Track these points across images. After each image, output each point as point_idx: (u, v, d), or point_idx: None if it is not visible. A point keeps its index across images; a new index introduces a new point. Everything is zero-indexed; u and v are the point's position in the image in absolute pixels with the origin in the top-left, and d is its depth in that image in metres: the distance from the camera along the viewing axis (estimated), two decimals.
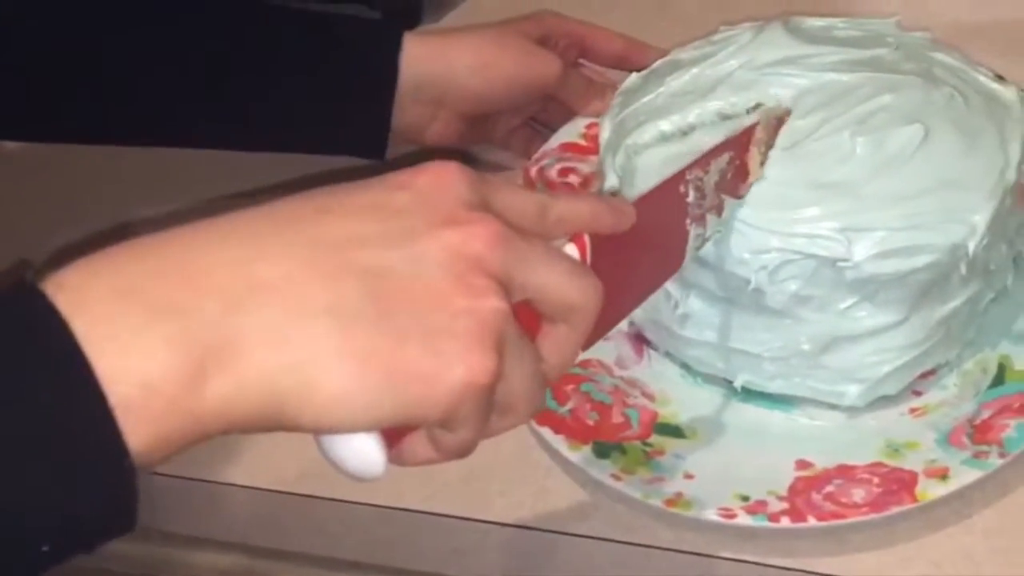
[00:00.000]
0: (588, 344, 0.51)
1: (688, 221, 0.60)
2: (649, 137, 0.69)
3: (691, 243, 0.60)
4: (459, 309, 0.44)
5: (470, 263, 0.45)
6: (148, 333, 0.41)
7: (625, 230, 0.53)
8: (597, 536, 0.64)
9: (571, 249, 0.51)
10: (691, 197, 0.60)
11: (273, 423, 0.43)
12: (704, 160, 0.61)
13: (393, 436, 0.46)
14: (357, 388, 0.43)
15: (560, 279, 0.48)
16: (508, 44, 0.78)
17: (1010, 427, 0.63)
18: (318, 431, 0.44)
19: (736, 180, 0.63)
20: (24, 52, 0.75)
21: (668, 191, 0.59)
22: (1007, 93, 0.68)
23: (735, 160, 0.63)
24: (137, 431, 0.40)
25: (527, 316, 0.48)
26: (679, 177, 0.60)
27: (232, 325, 0.42)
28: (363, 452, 0.44)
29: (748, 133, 0.65)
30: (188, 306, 0.42)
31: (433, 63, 0.76)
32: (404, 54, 0.76)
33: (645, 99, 0.71)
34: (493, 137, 0.83)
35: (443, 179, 0.47)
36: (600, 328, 0.51)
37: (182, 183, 0.84)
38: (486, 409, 0.46)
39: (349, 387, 0.42)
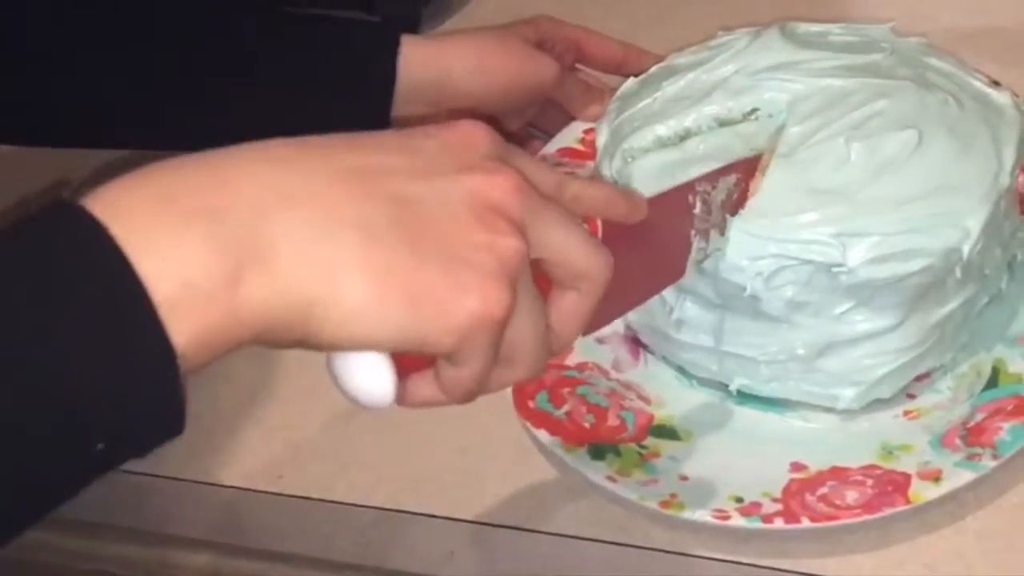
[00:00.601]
0: (589, 328, 0.52)
1: (693, 232, 0.61)
2: (645, 142, 0.70)
3: (693, 255, 0.62)
4: (479, 242, 0.46)
5: (492, 206, 0.47)
6: (186, 235, 0.42)
7: (635, 222, 0.55)
8: (592, 537, 0.65)
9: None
10: (698, 209, 0.61)
11: (298, 332, 0.44)
12: (714, 175, 0.63)
13: (402, 372, 0.46)
14: (376, 302, 0.44)
15: (576, 242, 0.50)
16: (506, 47, 0.78)
17: (1003, 430, 0.63)
18: (335, 344, 0.45)
19: (739, 202, 0.64)
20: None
21: (677, 198, 0.61)
22: (1001, 98, 0.69)
23: (741, 183, 0.64)
24: (181, 328, 0.41)
25: (537, 279, 0.49)
26: (689, 187, 0.61)
27: (264, 231, 0.43)
28: (374, 373, 0.46)
29: (756, 160, 0.66)
30: (222, 211, 0.43)
31: (431, 65, 0.77)
32: (402, 56, 0.76)
33: (642, 104, 0.71)
34: None
35: (471, 134, 0.49)
36: (600, 317, 0.52)
37: None
38: (493, 347, 0.47)
39: (368, 300, 0.44)
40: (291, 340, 0.44)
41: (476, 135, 0.49)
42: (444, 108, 0.78)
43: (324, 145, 0.47)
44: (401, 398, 0.48)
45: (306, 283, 0.43)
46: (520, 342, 0.48)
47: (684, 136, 0.69)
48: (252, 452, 0.72)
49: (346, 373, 0.46)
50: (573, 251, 0.50)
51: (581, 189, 0.52)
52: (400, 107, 0.77)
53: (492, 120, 0.82)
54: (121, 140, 0.79)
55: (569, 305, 0.51)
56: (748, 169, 0.65)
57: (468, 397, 0.49)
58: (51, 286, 0.41)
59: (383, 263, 0.44)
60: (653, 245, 0.58)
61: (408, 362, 0.47)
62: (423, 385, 0.49)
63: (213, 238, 0.42)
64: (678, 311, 0.68)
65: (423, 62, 0.77)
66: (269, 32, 0.78)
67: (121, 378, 0.41)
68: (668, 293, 0.68)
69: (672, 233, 0.61)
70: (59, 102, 0.75)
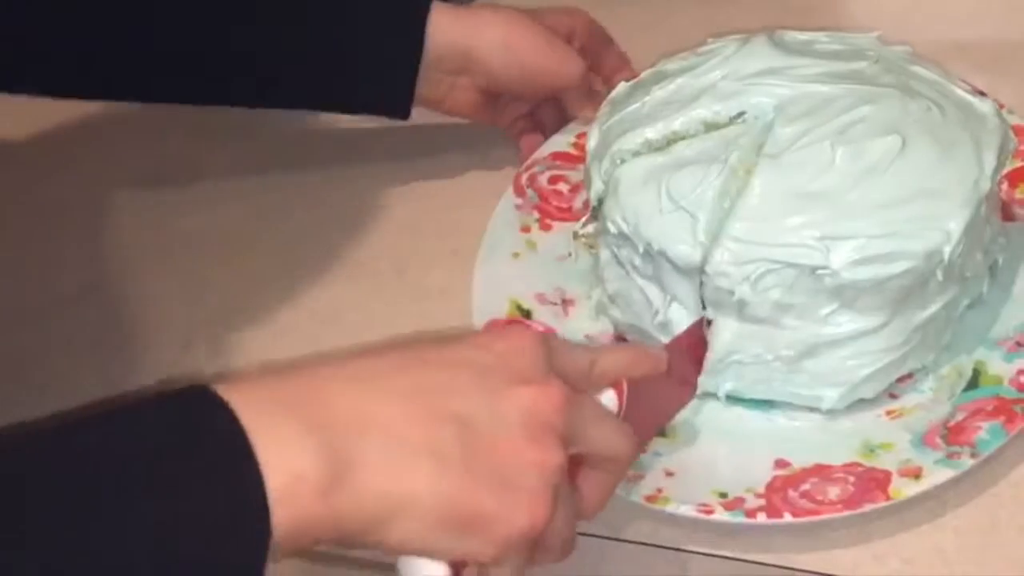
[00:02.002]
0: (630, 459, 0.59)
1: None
2: (634, 145, 0.71)
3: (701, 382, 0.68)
4: (529, 462, 0.52)
5: (541, 422, 0.52)
6: (303, 439, 0.48)
7: (658, 373, 0.61)
8: (578, 532, 0.66)
9: (610, 394, 0.59)
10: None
11: (370, 537, 0.50)
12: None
13: (457, 569, 0.52)
14: (437, 526, 0.50)
15: (608, 436, 0.56)
16: (535, 33, 0.80)
17: (983, 429, 0.65)
18: (398, 552, 0.51)
19: None
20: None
21: (693, 333, 0.68)
22: (983, 106, 0.70)
23: None
24: (284, 515, 0.47)
25: (570, 461, 0.54)
26: (701, 320, 0.67)
27: (359, 448, 0.49)
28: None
29: None
30: (331, 425, 0.49)
31: (460, 35, 0.79)
32: (433, 23, 0.79)
33: (631, 107, 0.73)
34: (501, 119, 0.85)
35: (522, 344, 0.55)
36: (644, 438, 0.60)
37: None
38: (531, 550, 0.53)
39: (431, 525, 0.50)
40: (359, 542, 0.50)
41: (526, 344, 0.55)
42: (466, 77, 0.81)
43: (401, 362, 0.53)
44: None
45: (384, 499, 0.49)
46: (556, 535, 0.53)
47: (672, 140, 0.70)
48: None
49: (409, 571, 0.52)
50: (606, 443, 0.56)
51: (609, 362, 0.59)
52: (427, 71, 0.80)
53: (503, 102, 0.84)
54: (154, 94, 0.82)
55: (600, 481, 0.57)
56: None
57: None
58: (177, 461, 0.46)
59: (449, 491, 0.50)
60: (670, 383, 0.64)
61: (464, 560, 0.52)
62: None
63: (322, 446, 0.48)
64: (663, 314, 0.69)
65: (451, 31, 0.79)
66: None
67: (224, 550, 0.46)
68: (654, 296, 0.69)
69: (690, 362, 0.67)
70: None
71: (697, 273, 0.67)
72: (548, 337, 0.56)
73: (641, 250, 0.68)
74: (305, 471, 0.47)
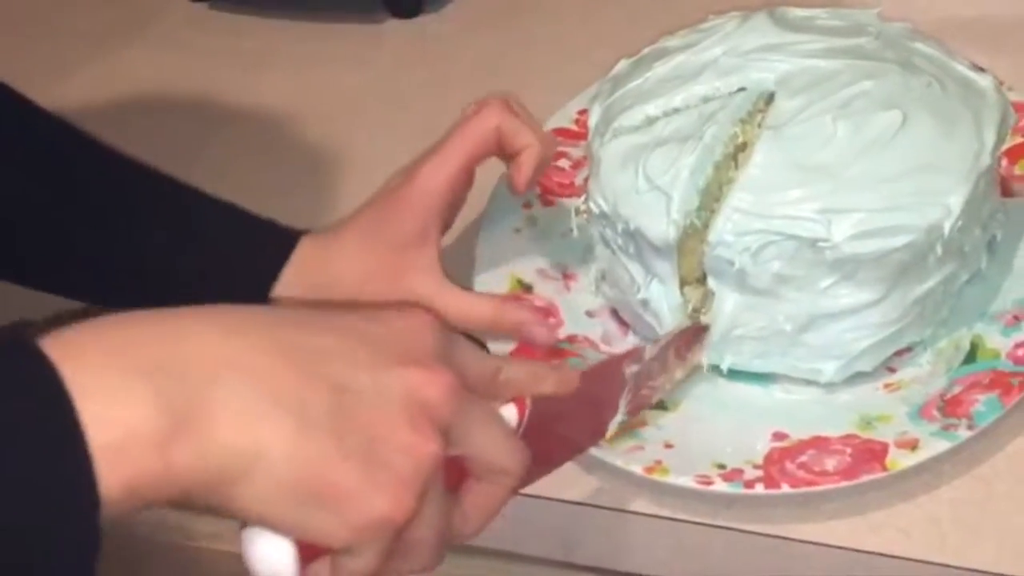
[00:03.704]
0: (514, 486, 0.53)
1: (622, 395, 0.62)
2: (636, 120, 0.71)
3: (612, 423, 0.62)
4: (402, 445, 0.47)
5: (424, 407, 0.48)
6: (133, 386, 0.44)
7: (565, 395, 0.56)
8: (579, 502, 0.67)
9: (510, 408, 0.54)
10: (635, 369, 0.62)
11: (213, 498, 0.45)
12: (639, 352, 0.63)
13: (307, 555, 0.47)
14: (290, 492, 0.45)
15: (495, 444, 0.51)
16: (395, 265, 0.70)
17: (979, 402, 0.65)
18: (244, 517, 0.46)
19: (687, 350, 0.67)
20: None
21: (610, 369, 0.62)
22: (983, 81, 0.71)
23: (686, 337, 0.67)
24: (113, 475, 0.43)
25: (454, 469, 0.50)
26: (621, 359, 0.62)
27: (208, 395, 0.45)
28: (277, 555, 0.47)
29: (701, 330, 0.68)
30: (170, 369, 0.44)
31: (319, 272, 0.71)
32: (292, 263, 0.71)
33: (633, 84, 0.73)
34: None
35: (419, 326, 0.50)
36: (523, 481, 0.53)
37: None
38: (390, 547, 0.48)
39: (284, 489, 0.45)
40: (203, 504, 0.45)
41: (426, 328, 0.50)
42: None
43: (278, 317, 0.49)
44: None
45: (232, 456, 0.44)
46: (417, 541, 0.49)
47: (652, 121, 0.71)
48: None
49: (252, 546, 0.47)
50: (492, 450, 0.51)
51: (515, 373, 0.54)
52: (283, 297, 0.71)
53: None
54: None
55: (482, 497, 0.52)
56: (695, 334, 0.68)
57: None
58: None
59: (309, 455, 0.45)
60: (581, 412, 0.60)
61: (314, 547, 0.47)
62: (323, 572, 0.48)
63: (159, 393, 0.44)
64: (643, 291, 0.70)
65: (311, 269, 0.71)
66: (171, 211, 0.73)
67: (43, 515, 0.42)
68: (636, 273, 0.70)
69: (602, 400, 0.62)
70: None
71: (674, 251, 0.67)
72: (454, 332, 0.52)
73: (620, 229, 0.69)
74: (137, 423, 0.43)
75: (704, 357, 0.69)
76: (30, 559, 0.43)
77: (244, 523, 0.47)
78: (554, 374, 0.56)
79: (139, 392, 0.43)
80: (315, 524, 0.46)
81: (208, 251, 0.71)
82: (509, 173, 0.72)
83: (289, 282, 0.70)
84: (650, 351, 0.64)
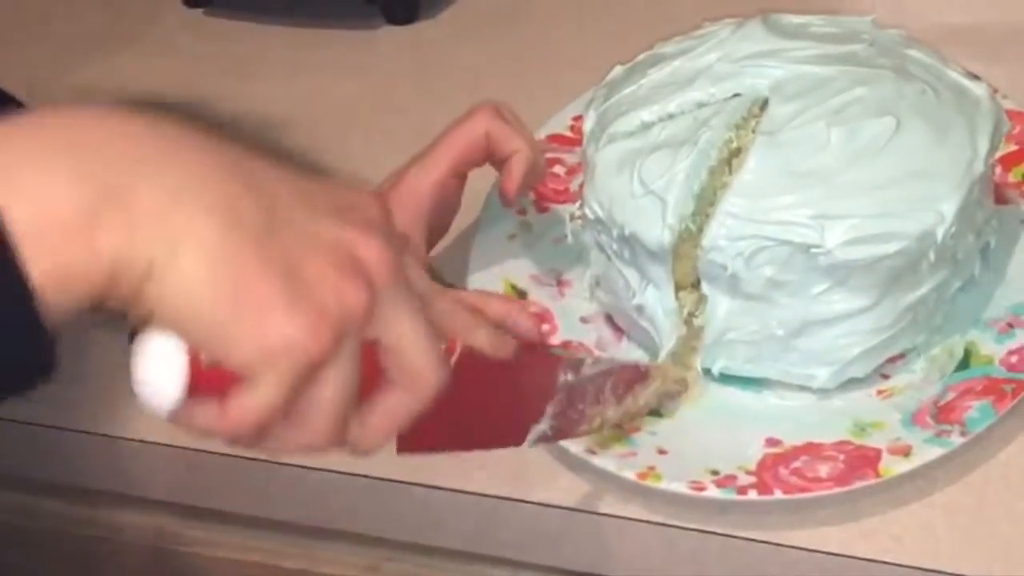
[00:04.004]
0: (403, 445, 0.51)
1: (549, 407, 0.60)
2: (631, 126, 0.71)
3: (534, 431, 0.60)
4: (329, 280, 0.45)
5: (356, 262, 0.46)
6: (51, 164, 0.41)
7: (494, 357, 0.53)
8: (572, 508, 0.66)
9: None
10: (560, 393, 0.60)
11: (130, 288, 0.42)
12: (577, 363, 0.61)
13: (197, 385, 0.45)
14: (207, 286, 0.43)
15: (419, 340, 0.48)
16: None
17: (972, 408, 0.65)
18: (154, 310, 0.43)
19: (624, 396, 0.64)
20: None
21: (547, 363, 0.60)
22: (977, 89, 0.71)
23: (626, 384, 0.64)
24: (37, 260, 0.40)
25: (370, 365, 0.47)
26: (561, 361, 0.60)
27: (132, 177, 0.42)
28: (166, 368, 0.44)
29: (640, 375, 0.65)
30: (94, 147, 0.42)
31: None
32: None
33: (628, 90, 0.73)
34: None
35: (367, 203, 0.48)
36: (418, 440, 0.51)
37: None
38: (292, 386, 0.44)
39: (202, 281, 0.43)
40: (119, 296, 0.43)
41: (372, 205, 0.48)
42: None
43: (226, 150, 0.46)
44: (180, 413, 0.45)
45: (154, 241, 0.42)
46: (318, 402, 0.46)
47: (648, 126, 0.71)
48: None
49: (142, 360, 0.44)
50: (413, 347, 0.48)
51: (451, 306, 0.52)
52: None
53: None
54: None
55: (390, 402, 0.48)
56: (636, 376, 0.65)
57: (243, 434, 0.46)
58: None
59: (231, 252, 0.43)
60: (503, 394, 0.57)
61: (204, 376, 0.45)
62: (206, 409, 0.45)
63: (79, 170, 0.42)
64: (639, 297, 0.70)
65: None
66: None
67: None
68: (631, 279, 0.70)
69: (527, 395, 0.59)
70: None
71: (669, 256, 0.67)
72: (401, 237, 0.50)
73: (615, 234, 0.69)
74: (60, 201, 0.41)
75: (641, 419, 0.67)
76: None
77: (135, 336, 0.44)
78: (491, 331, 0.54)
79: (56, 172, 0.41)
80: (225, 332, 0.43)
81: None
82: (500, 180, 0.72)
83: None
84: (589, 367, 0.61)
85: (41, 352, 0.42)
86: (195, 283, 0.43)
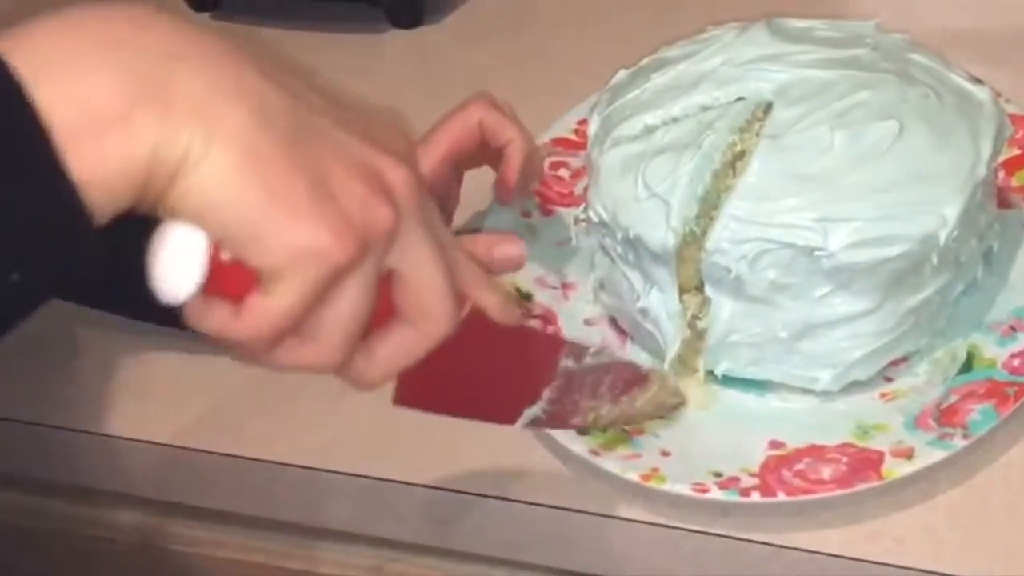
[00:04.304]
0: (400, 396, 0.51)
1: (545, 391, 0.60)
2: (634, 130, 0.72)
3: (527, 414, 0.60)
4: (356, 192, 0.44)
5: (383, 184, 0.46)
6: (91, 60, 0.42)
7: (501, 321, 0.53)
8: (576, 509, 0.67)
9: None
10: (558, 378, 0.60)
11: (164, 181, 0.42)
12: (582, 349, 0.61)
13: (216, 285, 0.44)
14: (238, 179, 0.43)
15: (435, 275, 0.48)
16: None
17: (975, 411, 0.65)
18: (184, 202, 0.43)
19: (622, 393, 0.64)
20: None
21: (550, 345, 0.61)
22: (980, 93, 0.71)
23: (624, 382, 0.64)
24: (79, 155, 0.41)
25: (382, 299, 0.47)
26: (565, 345, 0.60)
27: (170, 69, 0.42)
28: (187, 256, 0.44)
29: (639, 378, 0.66)
30: (132, 41, 0.43)
31: None
32: None
33: (632, 94, 0.73)
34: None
35: (400, 139, 0.48)
36: (416, 391, 0.51)
37: None
38: (313, 293, 0.44)
39: (233, 173, 0.43)
40: (156, 193, 0.43)
41: (401, 138, 0.49)
42: None
43: (260, 54, 0.46)
44: (196, 312, 0.45)
45: (190, 131, 0.42)
46: (333, 317, 0.45)
47: (651, 130, 0.71)
48: (255, 426, 0.74)
49: (161, 248, 0.44)
50: (428, 280, 0.48)
51: (466, 260, 0.51)
52: None
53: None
54: None
55: (398, 338, 0.48)
56: (635, 378, 0.65)
57: (256, 338, 0.45)
58: None
59: (264, 149, 0.43)
60: (502, 364, 0.57)
61: (221, 283, 0.44)
62: (223, 312, 0.45)
63: (115, 65, 0.42)
64: (643, 300, 0.70)
65: None
66: None
67: (18, 204, 0.40)
68: (636, 282, 0.70)
69: (526, 372, 0.59)
70: None
71: (673, 259, 0.68)
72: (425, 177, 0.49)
73: (620, 237, 0.69)
74: (96, 99, 0.41)
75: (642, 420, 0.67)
76: (30, 253, 0.41)
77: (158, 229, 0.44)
78: (500, 295, 0.53)
79: (96, 69, 0.41)
80: (253, 228, 0.43)
81: None
82: (498, 172, 0.73)
83: None
84: (591, 357, 0.61)
85: (85, 249, 0.42)
86: (227, 176, 0.43)
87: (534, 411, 0.59)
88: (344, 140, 0.46)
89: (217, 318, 0.45)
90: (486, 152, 0.73)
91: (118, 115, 0.41)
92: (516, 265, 0.61)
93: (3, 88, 0.40)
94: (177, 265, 0.44)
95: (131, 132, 0.41)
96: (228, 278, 0.44)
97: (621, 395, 0.64)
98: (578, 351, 0.61)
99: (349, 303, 0.45)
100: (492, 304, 0.53)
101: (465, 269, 0.51)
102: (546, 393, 0.60)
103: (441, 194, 0.72)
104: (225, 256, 0.44)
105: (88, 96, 0.41)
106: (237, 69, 0.44)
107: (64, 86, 0.41)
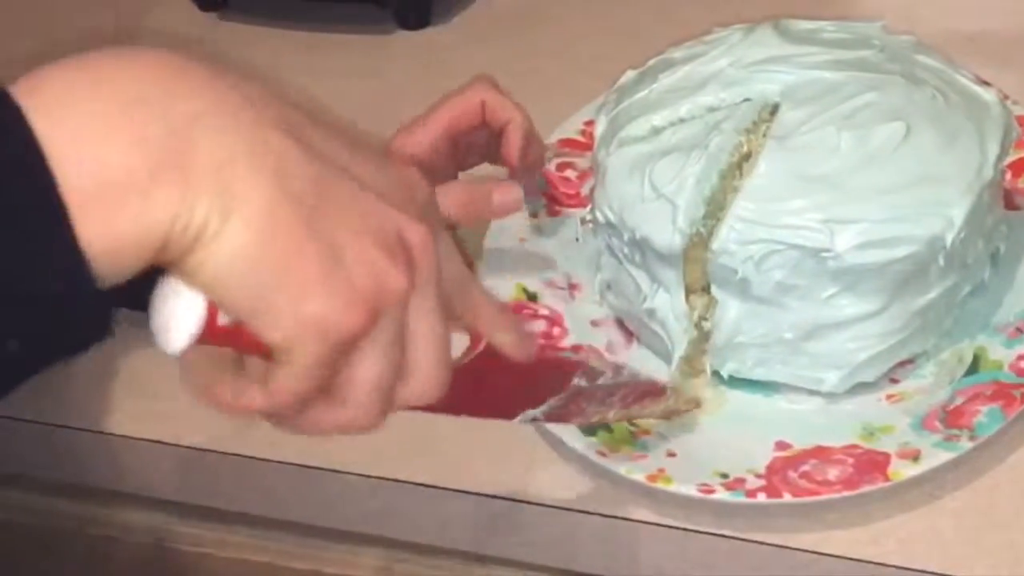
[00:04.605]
0: (414, 400, 0.50)
1: (551, 399, 0.60)
2: (642, 131, 0.72)
3: (527, 413, 0.60)
4: (372, 259, 0.44)
5: (403, 246, 0.45)
6: (110, 125, 0.41)
7: (516, 359, 0.53)
8: (581, 510, 0.67)
9: (463, 337, 0.51)
10: (568, 392, 0.60)
11: (178, 252, 0.42)
12: (596, 371, 0.62)
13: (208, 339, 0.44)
14: (253, 257, 0.42)
15: (432, 342, 0.47)
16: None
17: (981, 413, 0.65)
18: (199, 270, 0.42)
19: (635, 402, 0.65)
20: None
21: (564, 369, 0.61)
22: (987, 95, 0.71)
23: (625, 399, 0.64)
24: (93, 225, 0.40)
25: None
26: (578, 367, 0.61)
27: (190, 136, 0.42)
28: (184, 319, 0.44)
29: (654, 391, 0.66)
30: (154, 101, 0.41)
31: None
32: None
33: (639, 95, 0.73)
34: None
35: (419, 186, 0.48)
36: (439, 406, 0.51)
37: None
38: (322, 365, 0.44)
39: (248, 247, 0.42)
40: (169, 260, 0.42)
41: (420, 186, 0.48)
42: None
43: (282, 100, 0.45)
44: (190, 367, 0.46)
45: (208, 204, 0.41)
46: (358, 382, 0.46)
47: (659, 131, 0.71)
48: (263, 426, 0.74)
49: (161, 299, 0.44)
50: (425, 345, 0.47)
51: (481, 299, 0.51)
52: None
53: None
54: None
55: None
56: (651, 391, 0.66)
57: (278, 409, 0.46)
58: None
59: (279, 225, 0.42)
60: (513, 386, 0.57)
61: (215, 339, 0.44)
62: (246, 389, 0.46)
63: (135, 132, 0.41)
64: (650, 300, 0.70)
65: None
66: None
67: (25, 273, 0.40)
68: (643, 282, 0.70)
69: (536, 389, 0.59)
70: None
71: (679, 260, 0.68)
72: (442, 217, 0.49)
73: (626, 238, 0.69)
74: (117, 161, 0.40)
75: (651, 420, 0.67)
76: (32, 323, 0.41)
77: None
78: (516, 333, 0.53)
79: (118, 131, 0.40)
80: (264, 303, 0.43)
81: None
82: (501, 150, 0.74)
83: None
84: (605, 379, 0.62)
85: (92, 317, 0.42)
86: (242, 252, 0.42)
87: (532, 414, 0.59)
88: (362, 202, 0.45)
89: (244, 398, 0.46)
90: (488, 139, 0.74)
91: (136, 186, 0.41)
92: (514, 208, 0.63)
93: (20, 154, 0.39)
94: (175, 321, 0.44)
95: (148, 205, 0.41)
96: (227, 336, 0.44)
97: (632, 404, 0.64)
98: (593, 374, 0.61)
99: (371, 365, 0.45)
100: (506, 344, 0.53)
101: (481, 308, 0.51)
102: (552, 400, 0.59)
103: (438, 167, 0.73)
104: (223, 320, 0.44)
105: (106, 163, 0.40)
106: (259, 130, 0.43)
107: (82, 150, 0.40)
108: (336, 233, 0.44)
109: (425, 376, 0.48)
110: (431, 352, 0.47)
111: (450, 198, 0.62)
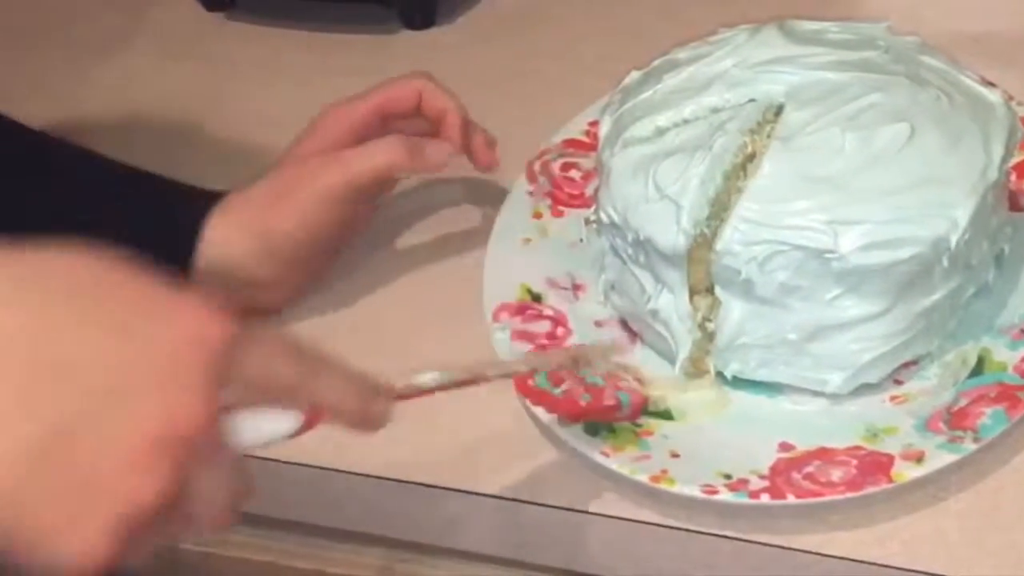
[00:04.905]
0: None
1: None
2: (646, 131, 0.72)
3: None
4: (128, 484, 0.44)
5: (173, 438, 0.44)
6: None
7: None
8: (585, 510, 0.67)
9: (294, 417, 0.50)
10: None
11: None
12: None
13: None
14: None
15: (215, 493, 0.47)
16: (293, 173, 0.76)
17: (986, 414, 0.65)
18: None
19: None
20: None
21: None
22: (992, 96, 0.71)
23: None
24: None
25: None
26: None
27: None
28: None
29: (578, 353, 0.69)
30: None
31: (255, 222, 0.75)
32: (220, 220, 0.74)
33: (643, 95, 0.73)
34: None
35: (202, 334, 0.46)
36: None
37: None
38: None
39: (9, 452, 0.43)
40: None
41: (209, 334, 0.46)
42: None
43: (44, 297, 0.45)
44: None
45: None
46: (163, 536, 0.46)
47: (680, 125, 0.71)
48: None
49: None
50: (203, 496, 0.47)
51: (333, 386, 0.51)
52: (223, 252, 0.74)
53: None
54: None
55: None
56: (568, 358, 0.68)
57: None
58: None
59: (22, 452, 0.43)
60: None
61: None
62: None
63: None
64: (654, 301, 0.70)
65: (248, 219, 0.75)
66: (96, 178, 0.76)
67: None
68: (647, 283, 0.70)
69: None
70: None
71: (683, 260, 0.68)
72: (251, 329, 0.47)
73: (630, 239, 0.69)
74: None
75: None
76: None
77: None
78: (367, 403, 0.52)
79: None
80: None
81: (116, 209, 0.75)
82: (440, 135, 0.78)
83: (228, 238, 0.74)
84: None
85: None
86: None
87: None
88: (131, 407, 0.44)
89: None
90: (425, 132, 0.78)
91: None
92: (443, 164, 0.74)
93: None
94: None
95: None
96: None
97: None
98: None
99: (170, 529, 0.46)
100: (354, 412, 0.52)
101: (319, 399, 0.50)
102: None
103: (365, 139, 0.77)
104: None
105: None
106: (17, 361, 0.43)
107: None
108: (83, 460, 0.43)
109: (208, 524, 0.48)
110: (215, 509, 0.47)
111: (386, 146, 0.75)
